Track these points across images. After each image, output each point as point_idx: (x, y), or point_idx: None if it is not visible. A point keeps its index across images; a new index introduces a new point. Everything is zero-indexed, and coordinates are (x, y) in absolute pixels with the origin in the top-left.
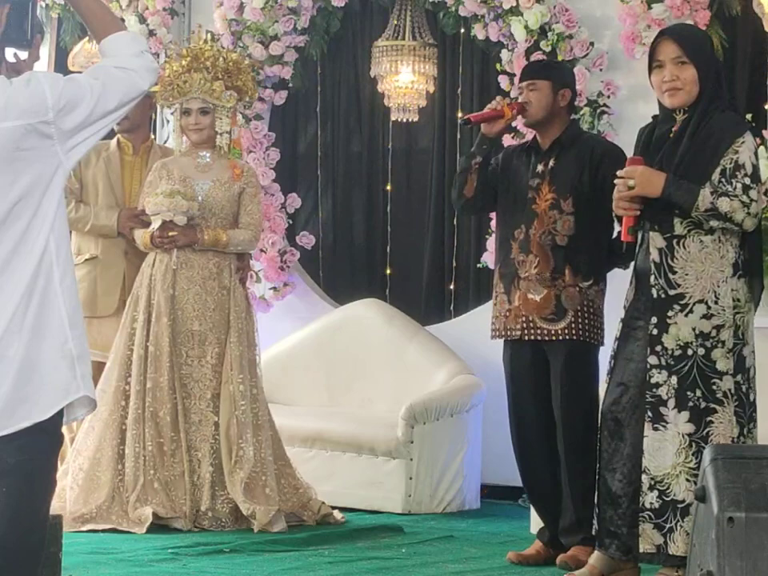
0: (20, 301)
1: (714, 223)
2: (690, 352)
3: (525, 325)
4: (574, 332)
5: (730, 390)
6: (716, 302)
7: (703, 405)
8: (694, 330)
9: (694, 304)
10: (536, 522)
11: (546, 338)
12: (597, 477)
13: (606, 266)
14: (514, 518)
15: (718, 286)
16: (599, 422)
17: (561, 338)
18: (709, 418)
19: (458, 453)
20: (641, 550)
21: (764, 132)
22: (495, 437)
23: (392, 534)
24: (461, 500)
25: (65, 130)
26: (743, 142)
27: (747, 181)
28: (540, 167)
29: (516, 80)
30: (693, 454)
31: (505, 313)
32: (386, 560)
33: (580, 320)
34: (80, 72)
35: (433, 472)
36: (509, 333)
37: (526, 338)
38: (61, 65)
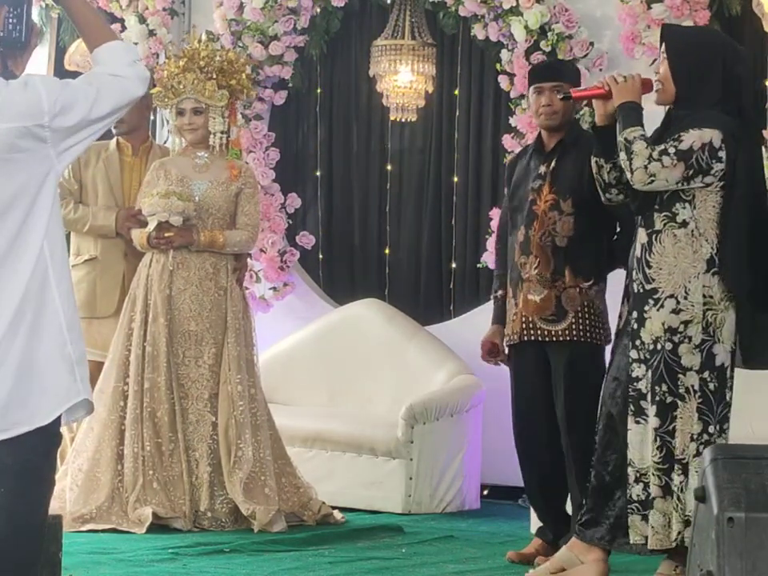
0: (17, 305)
1: (621, 156)
2: (659, 346)
3: (525, 326)
4: (575, 332)
5: (692, 386)
6: (685, 298)
7: (669, 399)
8: (663, 324)
9: (665, 299)
10: (536, 522)
11: (547, 339)
12: (591, 469)
13: (607, 267)
14: (514, 518)
15: (689, 282)
16: (598, 416)
17: (561, 338)
18: (674, 413)
19: (458, 453)
20: (631, 541)
21: (764, 132)
22: (495, 437)
23: (392, 534)
24: (461, 500)
25: (59, 133)
26: (699, 130)
27: (672, 150)
28: (542, 168)
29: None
30: (657, 448)
31: (512, 317)
32: (386, 560)
33: (581, 320)
34: (77, 71)
35: (433, 472)
36: (513, 336)
37: (525, 338)
38: (60, 64)
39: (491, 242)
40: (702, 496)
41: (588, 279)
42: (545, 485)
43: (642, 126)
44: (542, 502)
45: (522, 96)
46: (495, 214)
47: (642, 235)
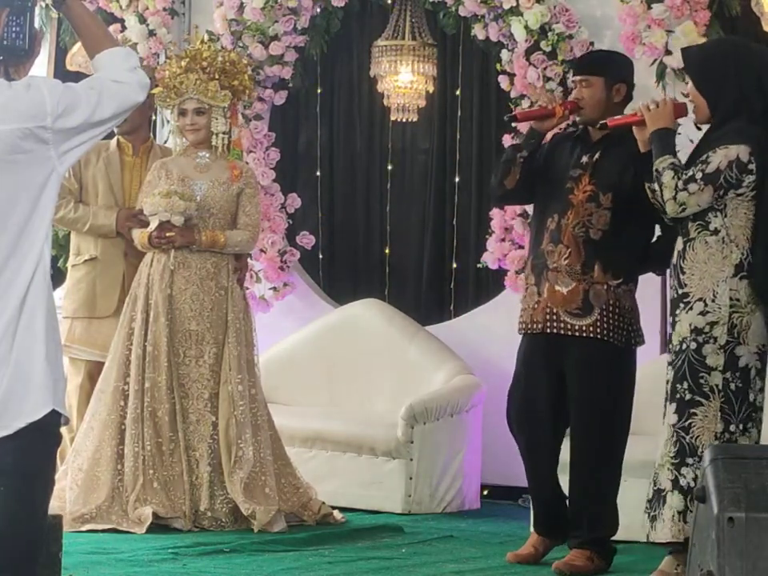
0: (19, 305)
1: (654, 187)
2: (684, 346)
3: (548, 317)
4: (598, 330)
5: (717, 385)
6: (713, 300)
7: (688, 397)
8: (690, 325)
9: (694, 302)
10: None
11: (569, 333)
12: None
13: (639, 268)
14: (514, 518)
15: (717, 285)
16: None
17: (585, 334)
18: (692, 410)
19: (458, 453)
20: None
21: None
22: (495, 437)
23: (392, 534)
24: (461, 500)
25: (61, 134)
26: (725, 148)
27: (699, 175)
28: (585, 158)
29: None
30: (673, 444)
31: (533, 305)
32: (386, 560)
33: (605, 319)
34: (78, 71)
35: (433, 472)
36: (534, 326)
37: (548, 330)
38: (61, 64)
39: (491, 242)
40: (702, 496)
41: (617, 277)
42: (545, 477)
43: (674, 152)
44: (541, 495)
45: (523, 96)
46: (496, 214)
47: (678, 243)
